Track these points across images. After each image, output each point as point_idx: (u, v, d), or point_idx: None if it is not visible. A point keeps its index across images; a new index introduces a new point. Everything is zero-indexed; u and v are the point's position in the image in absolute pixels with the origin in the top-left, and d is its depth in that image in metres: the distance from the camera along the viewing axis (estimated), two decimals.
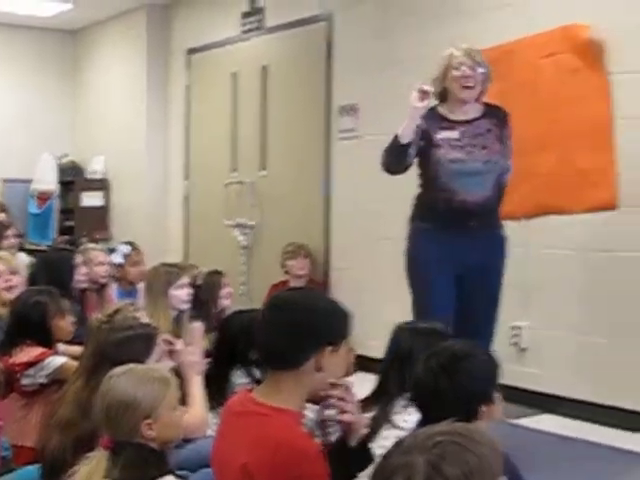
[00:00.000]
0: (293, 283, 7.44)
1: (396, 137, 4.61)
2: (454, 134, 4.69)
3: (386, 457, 1.69)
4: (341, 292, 7.49)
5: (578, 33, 5.63)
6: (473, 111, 4.79)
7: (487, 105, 4.82)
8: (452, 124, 4.73)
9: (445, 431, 1.71)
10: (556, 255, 5.00)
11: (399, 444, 1.70)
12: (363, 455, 2.77)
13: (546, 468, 4.52)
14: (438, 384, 2.68)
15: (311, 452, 2.48)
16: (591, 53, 5.59)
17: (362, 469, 2.72)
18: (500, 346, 4.67)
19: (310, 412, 3.11)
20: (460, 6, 6.52)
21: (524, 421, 5.57)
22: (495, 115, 4.83)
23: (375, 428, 3.05)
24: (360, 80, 7.35)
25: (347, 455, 2.79)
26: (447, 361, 2.74)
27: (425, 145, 4.66)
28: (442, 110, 4.75)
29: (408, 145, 4.59)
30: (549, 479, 4.48)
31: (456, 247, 4.64)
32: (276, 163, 8.34)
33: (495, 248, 4.80)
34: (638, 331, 5.43)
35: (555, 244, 4.94)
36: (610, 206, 5.50)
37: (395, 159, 4.67)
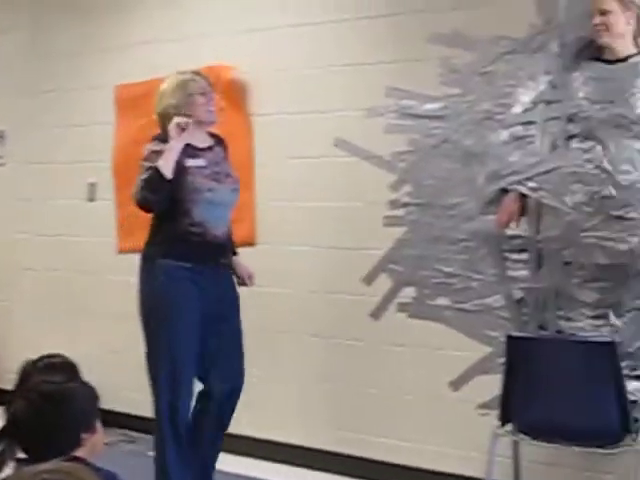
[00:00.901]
0: None
1: (157, 172, 4.26)
2: (201, 162, 4.47)
3: None
4: None
5: (222, 73, 5.79)
6: (208, 139, 4.63)
7: (210, 133, 4.67)
8: (196, 151, 4.49)
9: (51, 469, 1.71)
10: None
11: None
12: None
13: None
14: (38, 418, 2.66)
15: None
16: (234, 94, 5.80)
17: None
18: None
19: None
20: (111, 40, 6.56)
21: None
22: (220, 143, 4.71)
23: (0, 464, 2.98)
24: (8, 106, 7.21)
25: None
26: (45, 394, 2.67)
27: (176, 175, 4.33)
28: None
29: (171, 180, 4.29)
30: None
31: (209, 286, 4.45)
32: None
33: (233, 284, 4.67)
34: (279, 362, 5.71)
35: None
36: (249, 242, 5.71)
37: (158, 196, 4.29)
